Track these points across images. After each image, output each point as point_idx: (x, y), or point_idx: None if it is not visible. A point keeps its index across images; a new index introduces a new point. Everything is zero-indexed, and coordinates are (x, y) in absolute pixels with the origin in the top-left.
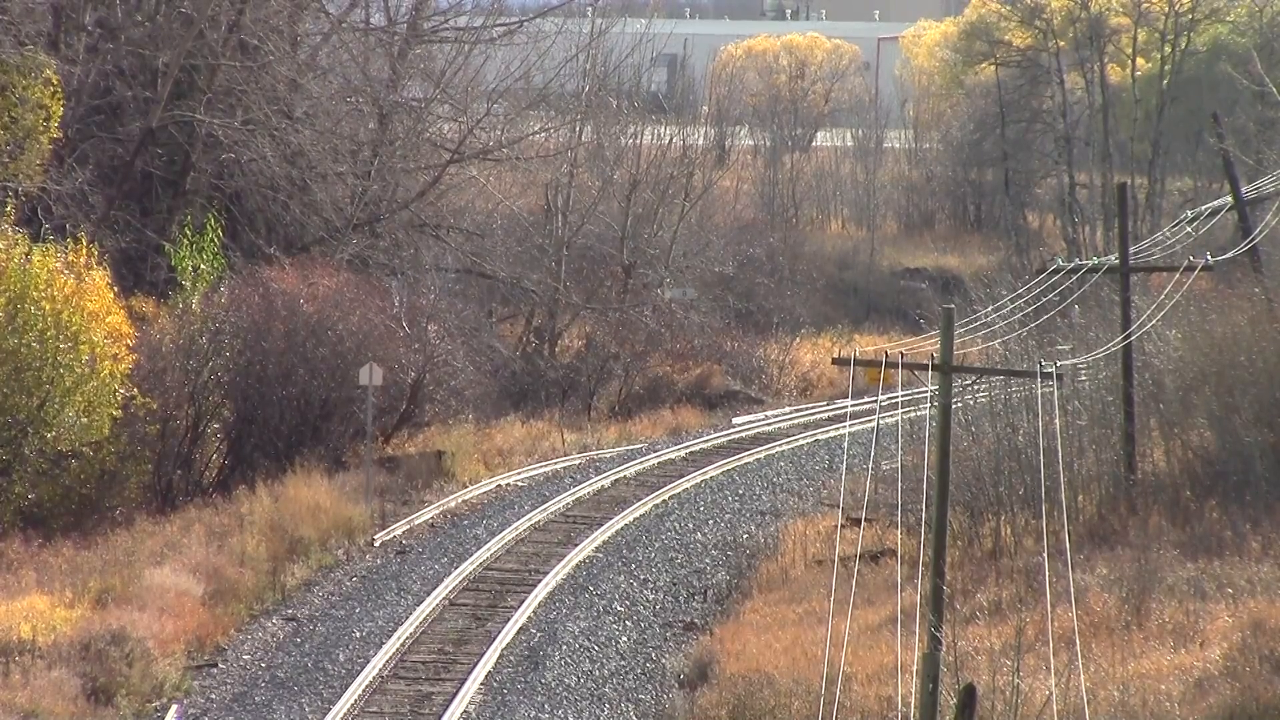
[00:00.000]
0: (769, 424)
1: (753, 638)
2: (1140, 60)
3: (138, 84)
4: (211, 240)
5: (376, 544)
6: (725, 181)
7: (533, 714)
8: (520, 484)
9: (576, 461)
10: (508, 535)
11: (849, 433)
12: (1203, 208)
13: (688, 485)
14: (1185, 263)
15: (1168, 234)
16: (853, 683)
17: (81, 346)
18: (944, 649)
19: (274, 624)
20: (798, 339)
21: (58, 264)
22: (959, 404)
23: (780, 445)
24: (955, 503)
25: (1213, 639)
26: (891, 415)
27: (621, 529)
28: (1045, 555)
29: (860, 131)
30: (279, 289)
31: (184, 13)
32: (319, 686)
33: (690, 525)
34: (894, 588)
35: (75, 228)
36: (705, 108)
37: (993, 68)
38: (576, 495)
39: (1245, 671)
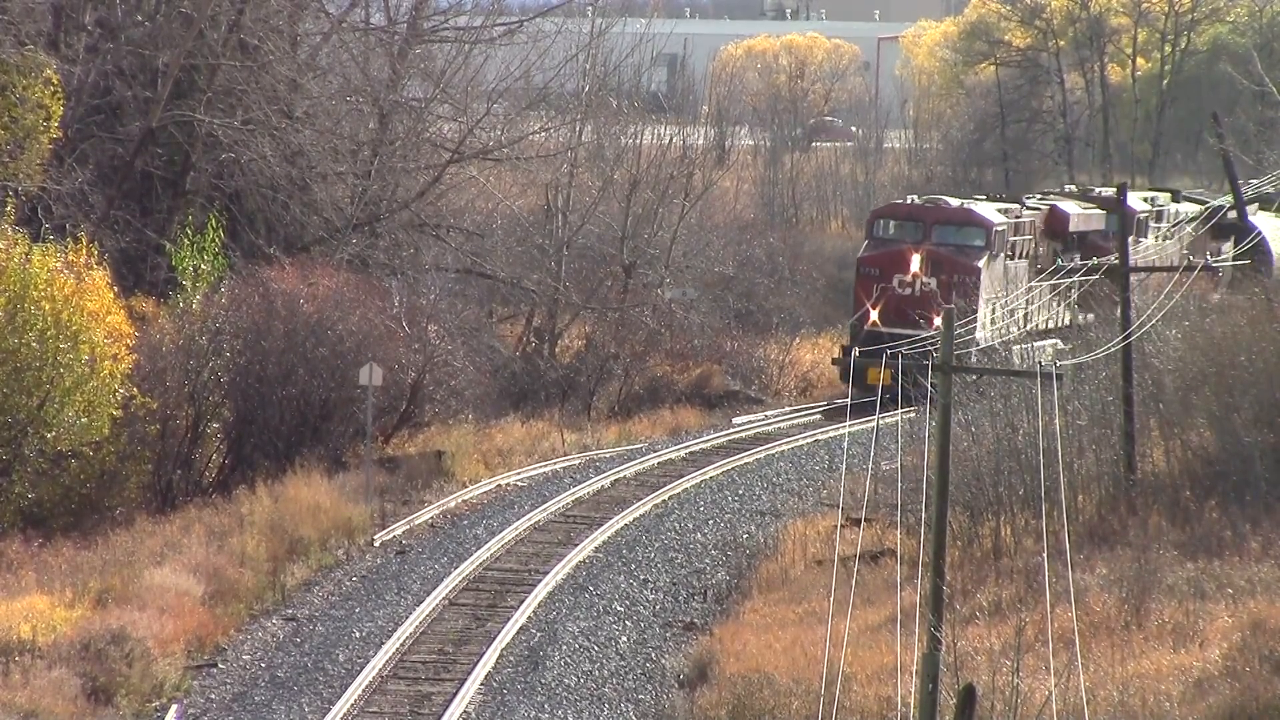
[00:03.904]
0: (769, 424)
1: (752, 638)
2: (1140, 60)
3: (138, 84)
4: (212, 240)
5: (376, 544)
6: (725, 181)
7: (532, 714)
8: (520, 484)
9: (576, 461)
10: (507, 535)
11: (849, 433)
12: (1204, 208)
13: (687, 485)
14: (1185, 262)
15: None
16: (853, 683)
17: (81, 346)
18: (944, 649)
19: (274, 624)
20: (798, 339)
21: (58, 264)
22: (959, 404)
23: (780, 445)
24: (955, 503)
25: (1213, 639)
26: (892, 415)
27: (621, 529)
28: (1045, 555)
29: (860, 131)
30: (279, 289)
31: (184, 13)
32: (319, 686)
33: (690, 525)
34: (894, 588)
35: (75, 228)
36: (705, 108)
37: (993, 68)
38: (576, 495)
39: (1245, 671)
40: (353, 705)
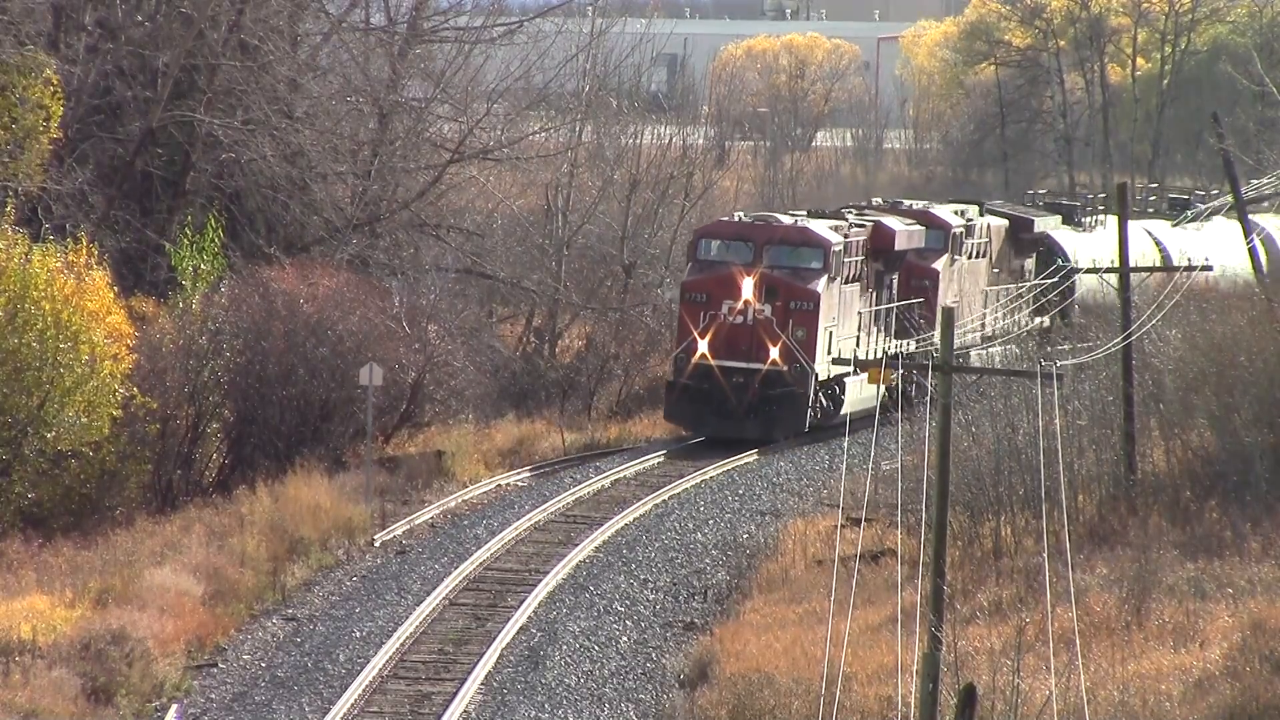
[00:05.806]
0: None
1: (753, 638)
2: (1140, 60)
3: (138, 84)
4: (212, 240)
5: (376, 544)
6: (725, 181)
7: (533, 714)
8: (520, 484)
9: (576, 461)
10: (508, 535)
11: (848, 433)
12: (1203, 208)
13: (687, 485)
14: (1184, 263)
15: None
16: (853, 683)
17: (81, 346)
18: (944, 649)
19: (274, 624)
20: None
21: (58, 264)
22: (959, 403)
23: (780, 445)
24: (955, 503)
25: (1213, 639)
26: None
27: (621, 529)
28: (1045, 555)
29: (860, 131)
30: (279, 289)
31: (184, 13)
32: (319, 686)
33: (690, 525)
34: (894, 588)
35: (75, 228)
36: (705, 108)
37: (993, 68)
38: (576, 495)
39: (1245, 671)
40: (353, 705)
